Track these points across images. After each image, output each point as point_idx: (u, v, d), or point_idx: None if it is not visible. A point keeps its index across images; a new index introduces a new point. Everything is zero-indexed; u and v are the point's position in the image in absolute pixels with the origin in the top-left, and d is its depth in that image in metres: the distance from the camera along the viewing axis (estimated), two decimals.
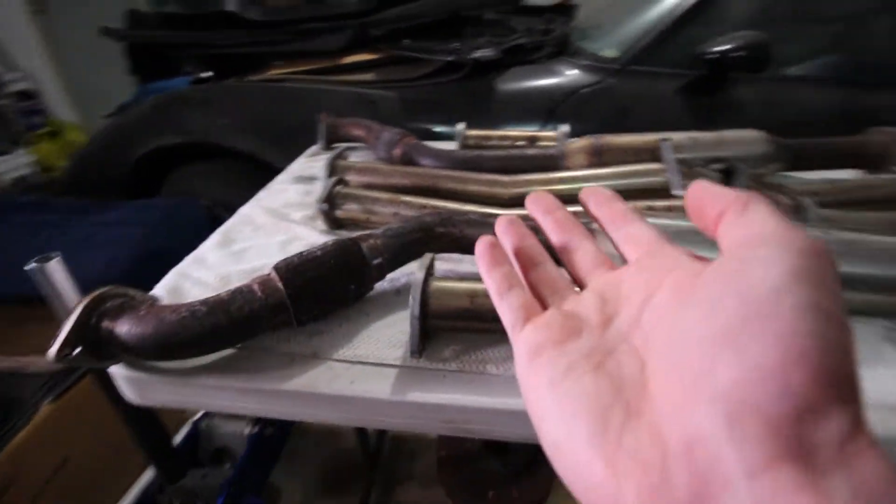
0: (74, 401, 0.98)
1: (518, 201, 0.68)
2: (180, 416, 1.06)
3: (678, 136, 0.73)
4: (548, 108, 1.23)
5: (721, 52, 1.06)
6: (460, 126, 0.90)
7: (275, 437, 1.13)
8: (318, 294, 0.47)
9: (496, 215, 0.56)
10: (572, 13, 1.54)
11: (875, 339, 0.47)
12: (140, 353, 0.43)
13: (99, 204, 1.35)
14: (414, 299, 0.43)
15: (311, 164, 0.94)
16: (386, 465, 1.22)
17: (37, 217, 1.32)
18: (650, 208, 0.60)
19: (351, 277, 0.48)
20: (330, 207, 0.65)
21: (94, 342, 0.42)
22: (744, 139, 0.73)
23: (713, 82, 1.15)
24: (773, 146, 0.72)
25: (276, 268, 0.46)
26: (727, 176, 0.64)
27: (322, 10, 1.59)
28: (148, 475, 0.96)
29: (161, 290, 0.56)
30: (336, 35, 1.41)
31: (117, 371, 0.46)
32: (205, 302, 0.43)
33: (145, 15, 1.66)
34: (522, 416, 0.41)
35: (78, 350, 0.41)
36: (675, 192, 0.63)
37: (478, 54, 1.29)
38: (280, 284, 0.45)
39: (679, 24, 1.18)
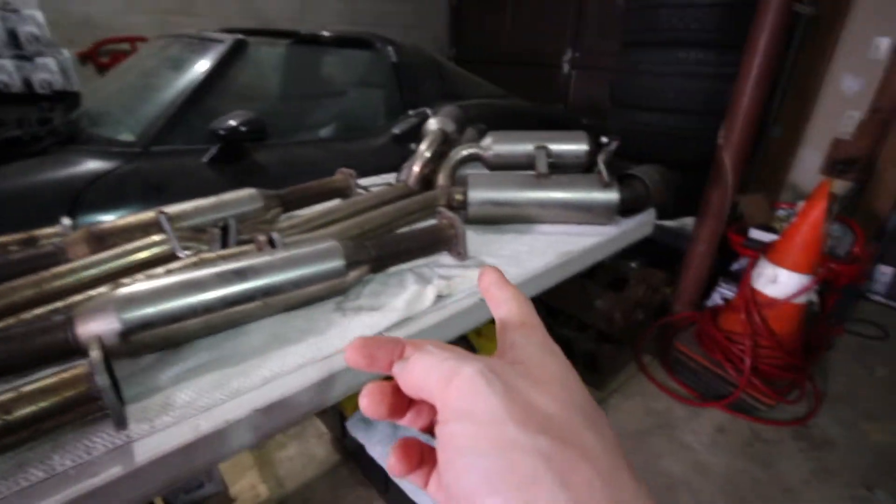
0: None
1: (4, 312, 0.61)
2: None
3: (181, 206, 0.83)
4: (69, 199, 1.12)
5: (228, 128, 1.27)
6: None
7: None
8: None
9: None
10: (75, 99, 1.46)
11: (328, 313, 0.68)
12: None
13: None
14: None
15: None
16: None
17: None
18: (150, 276, 0.66)
19: None
20: None
21: None
22: (240, 198, 0.90)
23: (232, 153, 1.36)
24: (266, 198, 0.94)
25: None
26: (224, 231, 0.78)
27: None
28: None
29: None
30: None
31: None
32: None
33: None
34: None
35: None
36: (179, 255, 0.72)
37: None
38: None
39: (184, 106, 1.33)
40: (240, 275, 0.61)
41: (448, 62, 2.27)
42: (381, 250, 0.76)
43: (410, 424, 0.27)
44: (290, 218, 1.02)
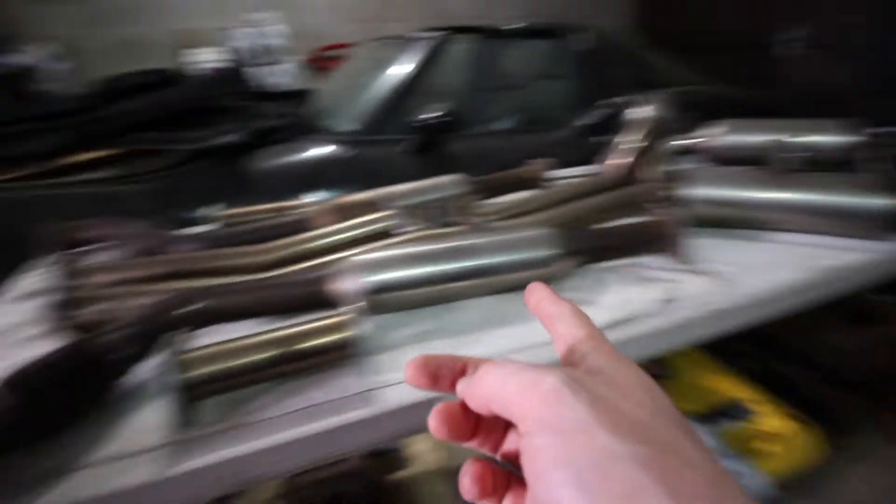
0: None
1: (274, 265, 0.76)
2: None
3: (399, 188, 0.92)
4: (305, 180, 1.36)
5: (427, 120, 1.37)
6: (214, 208, 0.94)
7: None
8: (53, 403, 0.45)
9: (247, 279, 0.63)
10: (311, 97, 1.74)
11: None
12: None
13: None
14: (168, 374, 0.45)
15: (42, 276, 0.84)
16: None
17: None
18: (386, 246, 0.74)
19: (90, 377, 0.48)
20: (66, 315, 0.60)
21: None
22: (447, 182, 0.96)
23: (429, 143, 1.47)
24: (468, 184, 0.98)
25: None
26: (438, 212, 0.84)
27: (28, 111, 1.42)
28: None
29: None
30: (50, 135, 1.28)
31: None
32: None
33: None
34: (284, 450, 0.47)
35: None
36: (401, 230, 0.80)
37: (226, 139, 1.35)
38: None
39: (393, 101, 1.48)
40: (461, 252, 0.64)
41: (640, 49, 2.08)
42: (593, 243, 0.72)
43: (479, 447, 0.26)
44: (486, 205, 1.05)
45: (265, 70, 2.68)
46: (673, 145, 1.00)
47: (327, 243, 0.79)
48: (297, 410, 0.50)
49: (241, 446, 0.46)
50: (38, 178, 1.28)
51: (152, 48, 3.48)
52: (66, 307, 0.60)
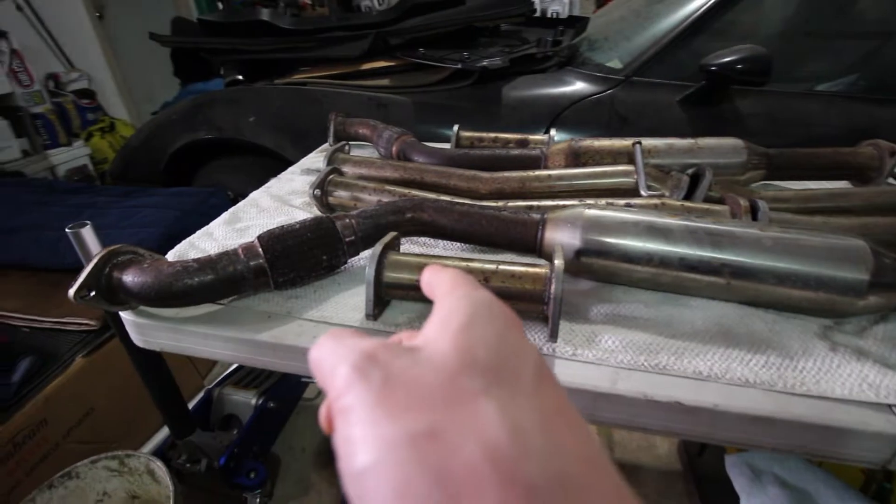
0: (104, 358, 1.09)
1: (495, 195, 0.74)
2: (198, 383, 1.15)
3: (654, 142, 0.77)
4: (551, 114, 1.28)
5: (722, 65, 1.08)
6: (455, 127, 0.96)
7: (277, 410, 1.21)
8: (293, 260, 0.54)
9: (467, 204, 0.62)
10: (583, 25, 1.58)
11: (806, 334, 0.49)
12: (141, 300, 0.51)
13: (139, 190, 1.50)
14: (370, 267, 0.49)
15: (320, 158, 1.03)
16: None
17: (85, 199, 1.48)
18: (610, 204, 0.64)
19: (323, 249, 0.55)
20: (322, 193, 0.72)
21: (106, 288, 0.51)
22: (719, 147, 0.76)
23: (714, 94, 1.17)
24: (750, 154, 0.75)
25: (259, 237, 0.53)
26: (694, 180, 0.67)
27: (347, 20, 1.70)
28: (164, 432, 1.06)
29: (170, 255, 0.65)
30: (357, 43, 1.51)
31: (126, 316, 0.55)
32: (197, 260, 0.51)
33: (188, 22, 1.81)
34: None
35: (93, 293, 0.50)
36: (641, 192, 0.67)
37: (486, 63, 1.36)
38: (260, 250, 0.52)
39: (682, 37, 1.21)
40: (714, 238, 0.49)
41: None
42: None
43: None
44: (769, 187, 0.80)
45: None
46: None
47: (555, 186, 0.72)
48: None
49: None
50: (338, 78, 1.56)
51: None
52: (321, 187, 0.71)
